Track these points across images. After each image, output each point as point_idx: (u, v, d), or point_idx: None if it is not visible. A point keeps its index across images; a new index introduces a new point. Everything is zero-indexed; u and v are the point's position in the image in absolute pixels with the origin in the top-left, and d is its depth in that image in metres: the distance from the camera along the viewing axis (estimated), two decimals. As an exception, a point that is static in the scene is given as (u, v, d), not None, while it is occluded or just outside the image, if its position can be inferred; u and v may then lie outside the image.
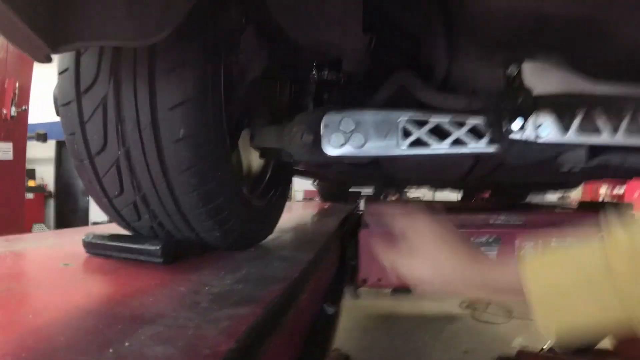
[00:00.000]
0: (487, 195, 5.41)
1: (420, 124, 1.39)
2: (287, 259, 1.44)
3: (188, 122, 1.20)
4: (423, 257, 1.02)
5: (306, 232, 2.19)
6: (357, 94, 1.65)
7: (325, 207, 4.77)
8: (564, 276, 0.78)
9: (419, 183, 4.01)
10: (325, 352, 1.47)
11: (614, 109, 1.38)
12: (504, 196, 4.58)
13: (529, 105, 1.34)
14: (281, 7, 1.31)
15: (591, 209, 2.66)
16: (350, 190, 5.40)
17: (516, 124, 1.34)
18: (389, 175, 2.28)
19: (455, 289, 1.00)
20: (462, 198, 5.86)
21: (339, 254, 2.26)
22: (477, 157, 1.50)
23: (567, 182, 3.43)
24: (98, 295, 1.03)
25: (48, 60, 0.86)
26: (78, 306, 0.89)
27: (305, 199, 7.49)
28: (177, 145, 1.22)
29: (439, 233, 1.04)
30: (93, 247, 1.44)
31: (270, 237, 1.88)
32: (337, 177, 3.33)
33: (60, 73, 1.22)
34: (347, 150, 1.37)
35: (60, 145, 12.67)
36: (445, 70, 1.46)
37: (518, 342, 4.73)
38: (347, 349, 4.44)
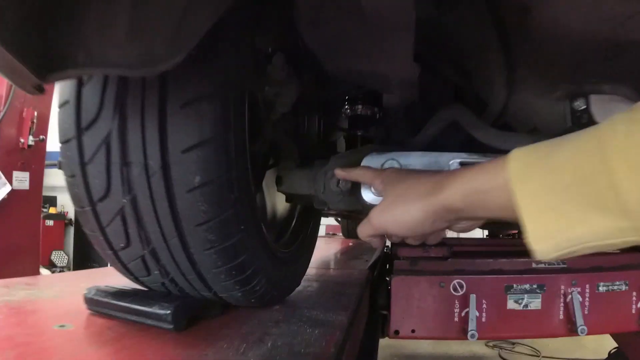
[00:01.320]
0: (514, 232, 5.25)
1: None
2: (318, 324, 1.24)
3: (205, 167, 1.00)
4: (398, 202, 0.98)
5: (335, 280, 2.02)
6: (396, 131, 1.49)
7: (350, 244, 4.63)
8: (555, 175, 0.68)
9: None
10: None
11: None
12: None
13: None
14: (317, 33, 1.14)
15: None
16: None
17: None
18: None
19: (436, 217, 0.92)
20: (488, 235, 5.70)
21: (370, 302, 2.09)
22: None
23: None
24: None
25: (40, 91, 0.70)
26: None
27: (327, 234, 7.31)
28: (192, 195, 1.02)
29: (407, 176, 1.02)
30: (95, 304, 1.24)
31: (298, 287, 1.70)
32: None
33: (60, 106, 1.06)
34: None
35: (81, 173, 12.83)
36: (502, 105, 1.29)
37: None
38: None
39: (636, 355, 2.94)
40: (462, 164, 1.22)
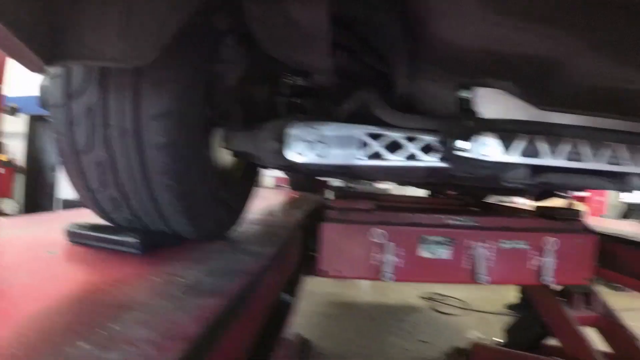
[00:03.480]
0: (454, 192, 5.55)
1: (378, 138, 1.54)
2: (251, 254, 1.58)
3: (168, 130, 1.35)
4: None
5: (273, 224, 2.33)
6: (327, 103, 1.79)
7: (294, 196, 4.89)
8: None
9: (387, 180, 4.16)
10: (280, 336, 1.60)
11: (554, 135, 1.55)
12: (470, 196, 4.75)
13: (476, 128, 1.50)
14: (261, 29, 1.45)
15: (545, 213, 2.84)
16: (318, 180, 5.52)
17: (463, 144, 1.50)
18: (355, 175, 2.43)
19: None
20: (431, 195, 6.03)
21: (302, 245, 2.42)
22: (435, 169, 1.64)
23: (526, 191, 3.59)
24: (84, 283, 1.16)
25: (41, 71, 0.99)
26: (68, 293, 1.02)
27: (277, 186, 7.61)
28: (157, 151, 1.36)
29: None
30: (75, 236, 1.55)
31: (241, 229, 2.02)
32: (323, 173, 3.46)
33: (52, 78, 1.35)
34: (309, 158, 1.51)
35: (32, 121, 12.44)
36: (405, 89, 1.60)
37: (473, 334, 4.91)
38: (307, 334, 4.61)
39: (541, 307, 3.31)
40: (371, 135, 1.54)
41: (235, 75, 1.75)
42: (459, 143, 1.50)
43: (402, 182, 4.59)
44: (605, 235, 2.74)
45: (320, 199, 4.12)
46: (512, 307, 6.78)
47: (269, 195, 4.45)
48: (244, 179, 2.05)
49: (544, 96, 1.48)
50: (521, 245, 2.48)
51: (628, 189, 1.73)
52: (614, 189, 1.75)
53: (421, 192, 6.41)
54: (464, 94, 1.52)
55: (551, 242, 2.47)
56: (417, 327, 5.95)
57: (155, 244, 1.54)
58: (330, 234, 2.36)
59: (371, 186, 7.67)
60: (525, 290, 4.45)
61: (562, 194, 3.98)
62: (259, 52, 1.63)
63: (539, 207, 2.94)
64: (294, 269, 2.14)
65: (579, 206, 9.70)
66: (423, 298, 7.00)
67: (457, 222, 2.49)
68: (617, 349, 2.86)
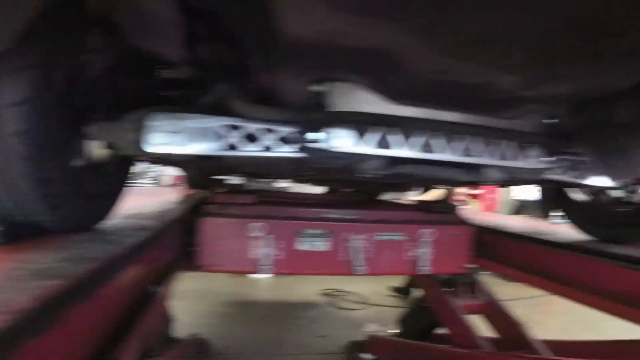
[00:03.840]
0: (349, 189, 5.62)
1: (236, 130, 1.57)
2: (111, 242, 1.58)
3: (26, 118, 1.34)
4: None
5: (146, 218, 2.29)
6: (192, 95, 1.80)
7: (188, 194, 4.84)
8: None
9: (278, 176, 4.18)
10: (142, 325, 1.60)
11: (406, 127, 1.63)
12: (364, 192, 4.85)
13: (327, 120, 1.56)
14: (115, 12, 1.46)
15: (422, 206, 2.96)
16: (215, 178, 5.48)
17: (316, 135, 1.55)
18: (231, 168, 2.46)
19: None
20: (328, 192, 6.11)
21: (181, 239, 2.41)
22: (293, 160, 1.69)
23: (408, 185, 3.70)
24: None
25: None
26: None
27: (174, 184, 7.50)
28: (16, 138, 1.34)
29: None
30: None
31: (113, 222, 1.99)
32: (196, 166, 3.43)
33: None
34: (166, 149, 1.52)
35: None
36: (263, 83, 1.64)
37: (370, 328, 5.00)
38: (206, 334, 4.58)
39: (429, 297, 3.43)
40: (230, 127, 1.57)
41: (103, 65, 1.73)
42: (312, 135, 1.55)
43: (297, 179, 4.62)
44: (482, 227, 2.87)
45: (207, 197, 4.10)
46: (397, 290, 7.02)
47: (160, 193, 4.41)
48: (116, 172, 2.03)
49: (394, 90, 1.56)
50: (398, 236, 2.57)
51: (484, 179, 1.85)
52: (470, 180, 1.85)
53: (320, 190, 6.48)
54: (318, 87, 1.57)
55: (427, 233, 2.58)
56: (316, 322, 6.04)
57: (19, 234, 1.51)
58: (209, 228, 2.37)
59: (270, 184, 7.68)
60: (413, 280, 4.57)
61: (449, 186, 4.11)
62: (128, 43, 1.64)
63: (420, 201, 3.06)
64: (167, 263, 2.12)
65: (473, 203, 10.16)
66: (323, 294, 7.08)
67: (335, 216, 2.56)
68: (502, 334, 2.97)
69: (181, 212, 2.58)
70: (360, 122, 1.60)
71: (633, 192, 2.31)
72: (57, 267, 1.17)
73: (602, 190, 2.45)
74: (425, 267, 2.61)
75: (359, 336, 4.69)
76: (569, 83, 1.49)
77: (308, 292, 7.22)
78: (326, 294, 7.10)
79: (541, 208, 6.64)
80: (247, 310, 6.39)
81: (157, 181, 9.70)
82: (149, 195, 4.19)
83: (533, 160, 1.89)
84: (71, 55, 1.50)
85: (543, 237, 2.40)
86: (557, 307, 6.48)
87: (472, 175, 1.82)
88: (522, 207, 10.47)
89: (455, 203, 2.98)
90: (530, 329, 2.78)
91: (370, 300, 6.93)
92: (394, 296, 6.87)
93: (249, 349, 4.96)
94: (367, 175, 1.72)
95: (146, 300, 1.70)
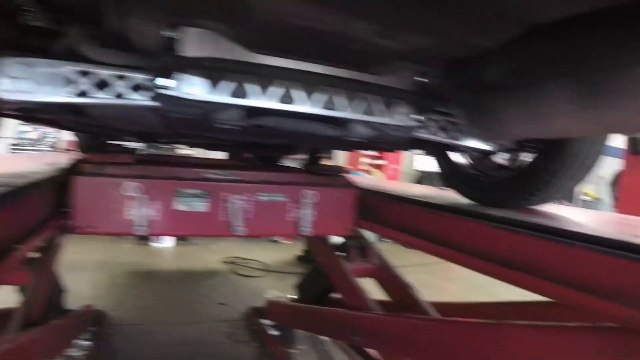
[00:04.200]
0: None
1: (87, 75, 1.48)
2: None
3: None
4: None
5: (18, 179, 2.15)
6: (45, 40, 1.69)
7: (77, 157, 4.65)
8: None
9: (173, 139, 4.04)
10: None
11: (264, 76, 1.57)
12: (262, 158, 4.80)
13: (180, 65, 1.48)
14: None
15: (308, 169, 2.94)
16: (111, 142, 5.26)
17: (166, 81, 1.48)
18: (101, 126, 2.32)
19: None
20: (230, 157, 6.03)
21: (54, 200, 2.25)
22: (145, 108, 1.61)
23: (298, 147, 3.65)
24: None
25: None
26: None
27: (67, 149, 7.22)
28: None
29: None
30: None
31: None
32: (81, 128, 3.25)
33: None
34: (15, 95, 1.42)
35: None
36: (115, 27, 1.53)
37: (271, 294, 5.02)
38: (104, 305, 4.46)
39: (322, 261, 3.43)
40: (80, 72, 1.48)
41: None
42: (164, 81, 1.48)
43: (182, 141, 4.50)
44: (367, 189, 2.86)
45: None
46: (301, 258, 7.10)
47: (47, 157, 4.21)
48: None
49: (248, 37, 1.49)
50: (279, 198, 2.53)
51: (350, 135, 1.82)
52: (337, 135, 1.82)
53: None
54: (170, 32, 1.46)
55: (309, 194, 2.56)
56: (217, 291, 6.02)
57: None
58: (83, 188, 2.24)
59: (173, 151, 7.53)
60: (309, 246, 4.58)
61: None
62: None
63: (306, 164, 3.03)
64: (35, 222, 1.99)
65: (376, 173, 10.39)
66: (224, 263, 7.04)
67: (215, 176, 2.48)
68: (393, 296, 3.01)
69: (55, 172, 2.44)
70: (215, 69, 1.53)
71: (516, 159, 2.35)
72: None
73: (482, 155, 2.49)
74: (308, 229, 2.58)
75: (259, 303, 4.69)
76: (428, 35, 1.45)
77: (211, 261, 7.17)
78: (228, 262, 7.06)
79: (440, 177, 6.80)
80: (148, 280, 6.29)
81: (53, 147, 9.32)
82: (32, 158, 4.00)
83: (402, 118, 1.87)
84: None
85: (422, 200, 2.41)
86: (454, 274, 6.74)
87: (338, 131, 1.79)
88: (423, 178, 10.77)
89: (341, 166, 2.97)
90: (419, 292, 2.81)
91: (272, 267, 6.94)
92: (296, 264, 6.91)
93: (148, 319, 4.87)
94: (226, 127, 1.66)
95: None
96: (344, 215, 2.71)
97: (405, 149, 3.05)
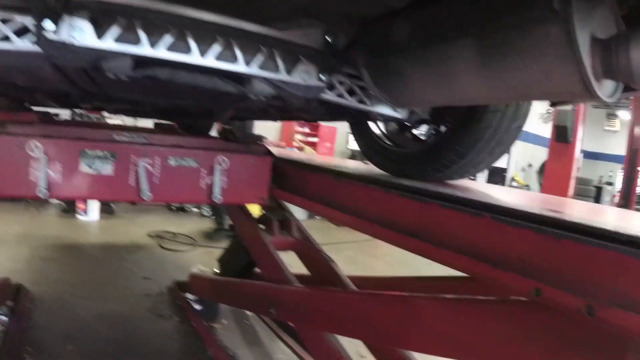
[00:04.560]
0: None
1: None
2: None
3: None
4: None
5: None
6: None
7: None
8: None
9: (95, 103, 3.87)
10: None
11: (157, 23, 1.48)
12: (186, 127, 4.69)
13: (62, 8, 1.37)
14: None
15: (224, 136, 2.86)
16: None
17: (49, 25, 1.36)
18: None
19: None
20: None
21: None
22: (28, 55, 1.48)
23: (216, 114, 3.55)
24: None
25: None
26: None
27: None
28: None
29: None
30: None
31: None
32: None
33: None
34: None
35: None
36: None
37: (196, 268, 4.97)
38: (24, 280, 4.40)
39: (242, 233, 3.36)
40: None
41: None
42: (48, 24, 1.36)
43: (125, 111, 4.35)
44: (283, 159, 2.81)
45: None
46: (207, 234, 7.10)
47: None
48: None
49: None
50: (190, 163, 2.44)
51: (251, 93, 1.75)
52: (236, 92, 1.75)
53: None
54: None
55: (222, 160, 2.48)
56: (142, 265, 5.91)
57: None
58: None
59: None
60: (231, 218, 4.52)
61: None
62: None
63: (221, 131, 2.95)
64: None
65: (308, 150, 10.43)
66: (151, 236, 6.92)
67: (123, 138, 2.37)
68: (313, 270, 3.02)
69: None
70: (103, 13, 1.43)
71: (435, 132, 2.33)
72: None
73: (398, 125, 2.46)
74: (220, 197, 2.50)
75: (184, 277, 4.63)
76: None
77: (137, 234, 7.03)
78: (155, 236, 6.93)
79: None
80: (71, 254, 6.08)
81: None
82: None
83: (306, 77, 1.80)
84: None
85: (334, 169, 2.36)
86: (383, 251, 6.80)
87: (239, 88, 1.72)
88: (354, 156, 10.89)
89: (260, 135, 2.89)
90: (338, 266, 2.81)
91: (200, 241, 6.86)
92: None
93: (69, 293, 4.71)
94: (118, 79, 1.57)
95: None
96: (259, 184, 2.65)
97: (324, 118, 3.01)
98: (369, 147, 2.67)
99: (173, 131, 3.42)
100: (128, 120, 6.45)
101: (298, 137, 11.96)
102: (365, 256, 6.53)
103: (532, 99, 1.58)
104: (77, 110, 5.93)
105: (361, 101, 2.08)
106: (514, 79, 1.23)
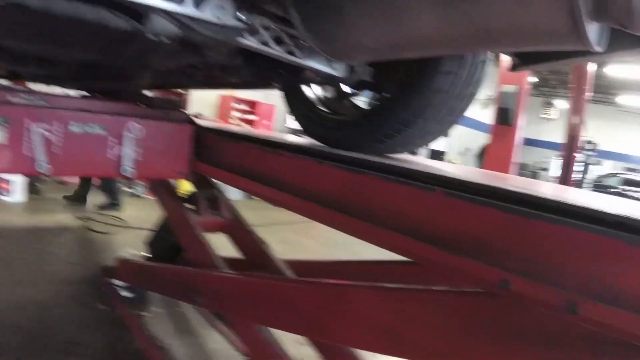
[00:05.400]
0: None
1: None
2: None
3: None
4: None
5: None
6: None
7: None
8: None
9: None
10: None
11: None
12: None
13: None
14: None
15: (139, 100, 2.56)
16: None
17: None
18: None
19: None
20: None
21: None
22: None
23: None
24: None
25: None
26: None
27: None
28: None
29: None
30: None
31: None
32: None
33: None
34: None
35: None
36: None
37: (126, 251, 4.71)
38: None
39: (169, 214, 3.09)
40: None
41: None
42: None
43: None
44: (205, 128, 2.53)
45: None
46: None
47: None
48: None
49: None
50: (97, 130, 2.12)
51: (150, 31, 1.43)
52: (130, 29, 1.44)
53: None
54: None
55: (133, 128, 2.17)
56: (68, 249, 5.59)
57: None
58: None
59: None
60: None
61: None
62: None
63: (137, 95, 2.64)
64: None
65: (246, 127, 10.34)
66: (79, 218, 6.57)
67: (18, 100, 2.03)
68: (245, 254, 2.78)
69: None
70: None
71: (377, 99, 2.08)
72: None
73: (336, 90, 2.22)
74: (131, 170, 2.19)
75: (112, 262, 4.32)
76: None
77: (64, 216, 6.71)
78: (82, 218, 6.59)
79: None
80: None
81: None
82: None
83: (220, 13, 1.46)
84: None
85: (261, 138, 2.10)
86: (319, 232, 6.63)
87: (133, 24, 1.40)
88: (292, 134, 10.82)
89: (177, 99, 2.60)
90: (272, 249, 2.60)
91: (130, 223, 6.55)
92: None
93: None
94: None
95: None
96: (177, 156, 2.35)
97: (255, 85, 2.73)
98: (303, 115, 2.40)
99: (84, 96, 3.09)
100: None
101: (235, 114, 11.78)
102: (300, 237, 6.35)
103: (500, 44, 1.24)
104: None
105: (290, 52, 1.77)
106: (481, 10, 0.94)
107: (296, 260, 2.85)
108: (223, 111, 11.82)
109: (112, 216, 6.77)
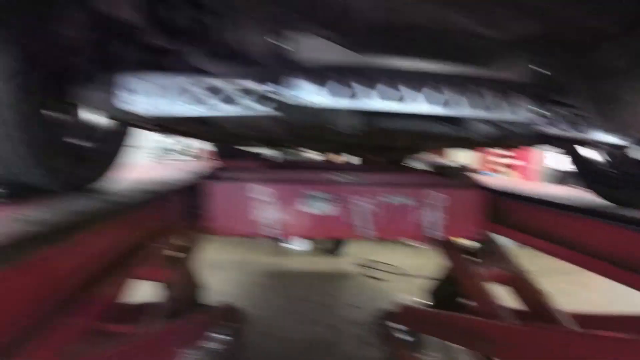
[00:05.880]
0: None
1: (216, 93, 1.53)
2: (99, 200, 1.62)
3: (18, 90, 1.38)
4: None
5: (149, 182, 2.28)
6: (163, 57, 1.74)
7: (213, 165, 4.86)
8: None
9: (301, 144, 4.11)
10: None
11: (378, 78, 1.55)
12: (385, 158, 4.78)
13: (297, 74, 1.50)
14: None
15: (433, 170, 2.88)
16: (246, 150, 5.45)
17: (286, 90, 1.50)
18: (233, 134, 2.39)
19: None
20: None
21: (187, 202, 2.42)
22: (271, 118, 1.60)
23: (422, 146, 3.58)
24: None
25: None
26: None
27: (208, 158, 7.58)
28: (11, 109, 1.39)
29: None
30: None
31: (119, 186, 2.01)
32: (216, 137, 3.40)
33: None
34: (138, 107, 1.49)
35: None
36: (220, 35, 1.57)
37: (403, 297, 4.97)
38: (241, 303, 4.59)
39: (453, 266, 3.33)
40: (208, 89, 1.52)
41: (77, 33, 1.66)
42: (284, 91, 1.50)
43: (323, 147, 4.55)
44: (496, 191, 2.77)
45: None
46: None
47: (183, 165, 4.44)
48: (112, 136, 2.04)
49: (352, 38, 1.49)
50: (405, 200, 2.51)
51: (473, 134, 1.73)
52: (460, 135, 1.74)
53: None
54: (275, 38, 1.49)
55: (436, 197, 2.51)
56: (349, 293, 6.07)
57: (21, 193, 1.56)
58: (215, 191, 2.37)
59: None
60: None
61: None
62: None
63: (436, 167, 2.96)
64: (167, 223, 2.12)
65: (508, 172, 9.93)
66: (356, 265, 7.07)
67: (340, 179, 2.51)
68: (527, 305, 2.83)
69: (188, 177, 2.59)
70: (331, 75, 1.53)
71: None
72: (42, 217, 1.23)
73: (618, 150, 2.30)
74: (436, 232, 2.54)
75: (391, 306, 4.65)
76: (536, 20, 1.35)
77: (342, 263, 7.35)
78: (360, 265, 7.08)
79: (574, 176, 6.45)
80: (283, 280, 6.51)
81: (193, 156, 9.71)
82: (171, 166, 4.25)
83: (522, 112, 1.73)
84: (46, 26, 1.50)
85: (557, 202, 2.29)
86: (595, 282, 6.30)
87: (460, 130, 1.71)
88: (563, 177, 10.19)
89: (467, 166, 2.87)
90: (556, 301, 2.64)
91: (404, 271, 6.87)
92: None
93: (281, 317, 5.06)
94: (348, 132, 1.64)
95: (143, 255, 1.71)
96: (472, 218, 2.64)
97: (530, 145, 2.90)
98: (586, 173, 2.52)
99: (383, 168, 3.51)
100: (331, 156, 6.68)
101: (494, 159, 11.45)
102: (577, 287, 6.14)
103: None
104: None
105: (581, 130, 1.98)
106: None
107: (579, 312, 2.89)
108: (481, 155, 11.62)
109: (388, 264, 7.15)
